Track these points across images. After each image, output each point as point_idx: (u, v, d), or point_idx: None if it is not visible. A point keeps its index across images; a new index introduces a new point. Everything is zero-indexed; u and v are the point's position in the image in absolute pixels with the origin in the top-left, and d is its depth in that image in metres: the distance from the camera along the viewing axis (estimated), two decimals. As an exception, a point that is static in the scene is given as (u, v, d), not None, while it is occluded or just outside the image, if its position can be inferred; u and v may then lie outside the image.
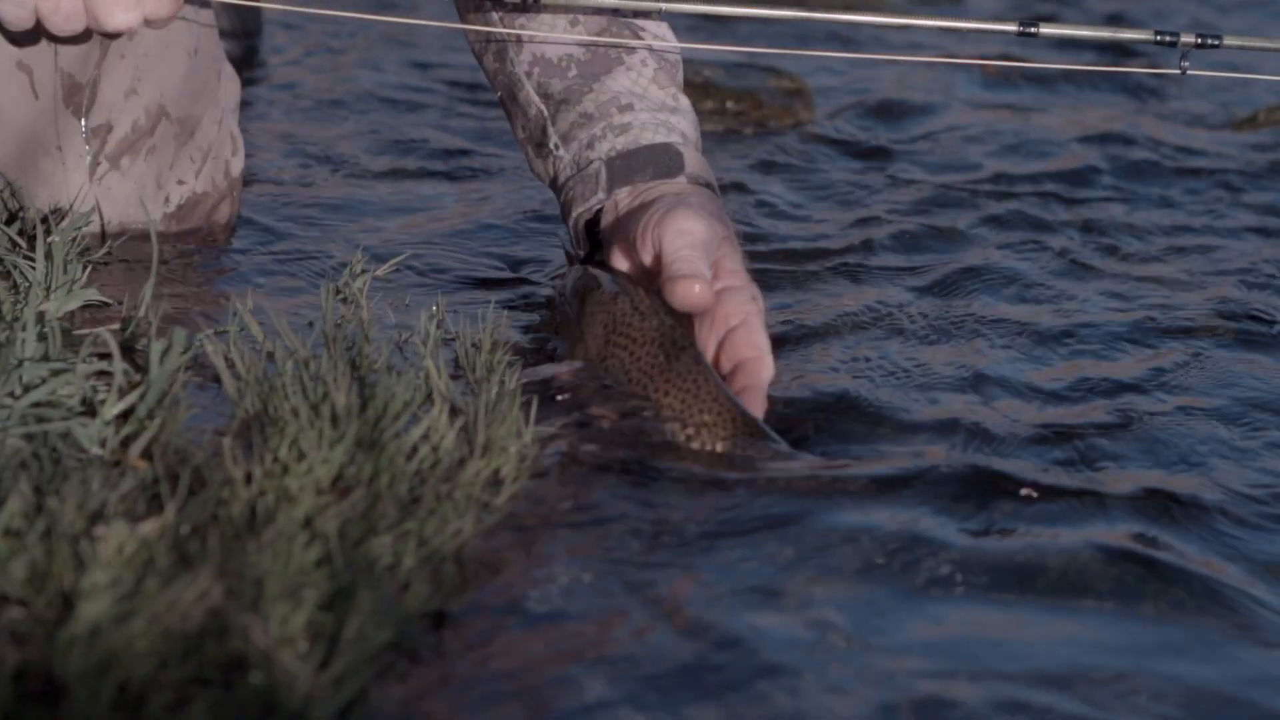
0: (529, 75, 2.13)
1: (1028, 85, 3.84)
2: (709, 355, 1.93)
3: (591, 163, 2.09)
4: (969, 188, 3.01)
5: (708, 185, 2.08)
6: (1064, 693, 1.44)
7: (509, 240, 2.53)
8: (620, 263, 2.02)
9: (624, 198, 2.07)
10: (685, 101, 2.13)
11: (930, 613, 1.56)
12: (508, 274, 2.38)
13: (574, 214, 2.11)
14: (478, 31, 2.16)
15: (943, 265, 2.56)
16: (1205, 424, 2.01)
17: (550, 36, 2.13)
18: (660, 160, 2.07)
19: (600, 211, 2.09)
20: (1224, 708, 1.46)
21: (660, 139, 2.08)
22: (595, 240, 2.12)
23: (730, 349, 1.92)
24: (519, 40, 2.13)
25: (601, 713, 1.38)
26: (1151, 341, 2.28)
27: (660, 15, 2.09)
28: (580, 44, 2.12)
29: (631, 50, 2.12)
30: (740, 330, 1.92)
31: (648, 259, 1.97)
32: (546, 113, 2.12)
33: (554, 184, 2.15)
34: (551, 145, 2.12)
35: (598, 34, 2.12)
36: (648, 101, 2.10)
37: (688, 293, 1.88)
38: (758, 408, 1.88)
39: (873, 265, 2.55)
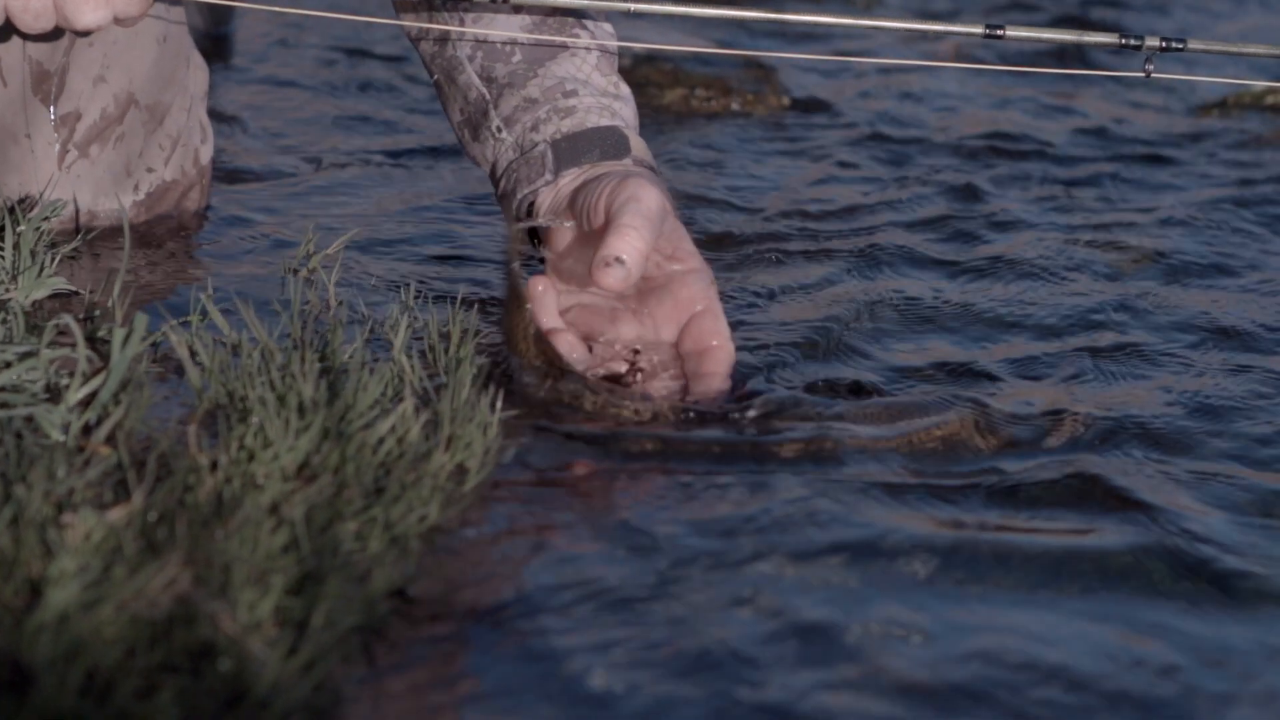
0: (471, 59, 2.13)
1: (994, 77, 3.85)
2: (671, 337, 1.97)
3: (536, 145, 2.10)
4: (941, 172, 3.02)
5: (651, 169, 2.10)
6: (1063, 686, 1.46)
7: (483, 228, 2.53)
8: (562, 234, 2.03)
9: (568, 180, 2.07)
10: (626, 89, 2.15)
11: (915, 602, 1.57)
12: (481, 261, 2.38)
13: (519, 196, 2.10)
14: (419, 18, 2.16)
15: (923, 251, 2.57)
16: (1211, 411, 2.03)
17: (493, 33, 2.13)
18: (606, 142, 2.08)
19: (538, 193, 2.10)
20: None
21: (606, 122, 2.10)
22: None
23: (695, 335, 1.95)
24: (462, 25, 2.13)
25: (570, 690, 1.39)
26: (1155, 333, 2.29)
27: (630, 14, 2.10)
28: (525, 34, 2.12)
29: (575, 36, 2.13)
30: (705, 317, 1.96)
31: (598, 223, 1.97)
32: (489, 96, 2.12)
33: (493, 168, 2.15)
34: (493, 128, 2.12)
35: (541, 22, 2.12)
36: (591, 87, 2.11)
37: (602, 278, 1.91)
38: (719, 390, 1.92)
39: (845, 250, 2.55)
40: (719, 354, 1.95)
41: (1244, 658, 1.52)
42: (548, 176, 2.08)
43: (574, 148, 2.07)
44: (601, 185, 1.98)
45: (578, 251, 2.02)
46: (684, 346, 1.96)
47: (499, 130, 2.11)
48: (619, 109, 2.12)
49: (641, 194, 1.94)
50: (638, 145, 2.10)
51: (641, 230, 1.92)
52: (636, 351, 1.97)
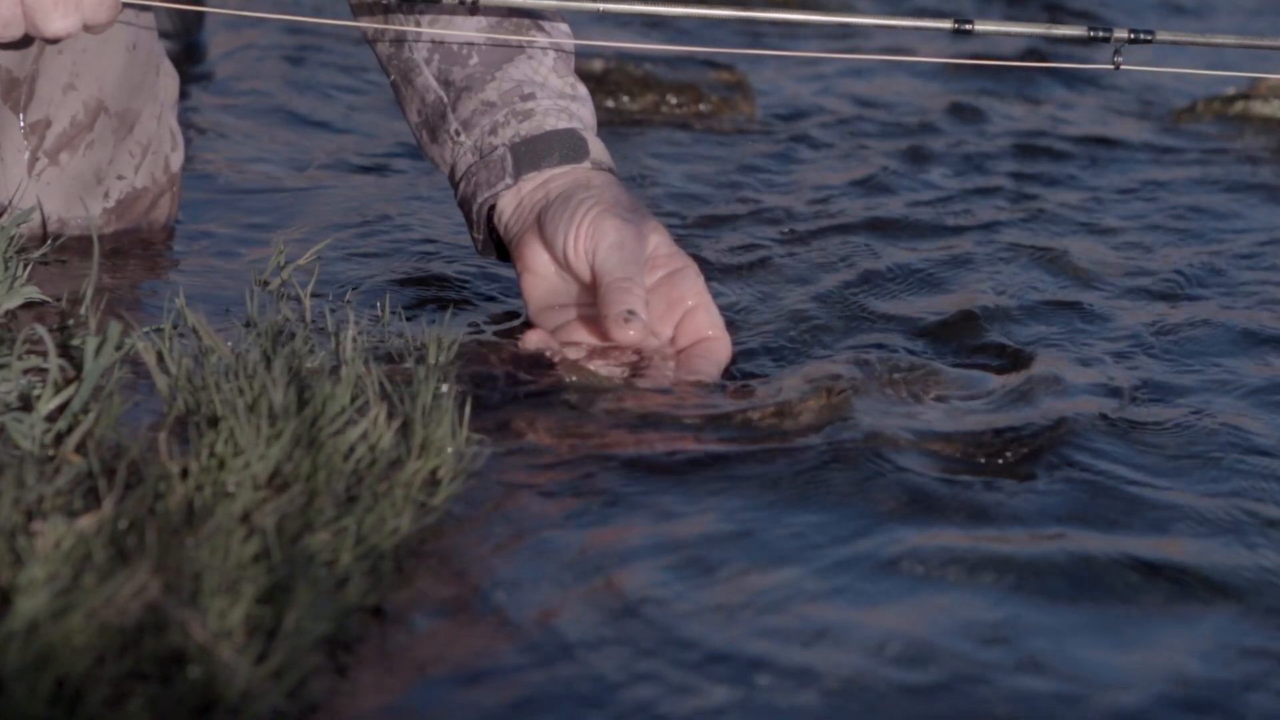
0: (428, 62, 2.14)
1: (967, 78, 3.86)
2: (666, 336, 2.02)
3: (496, 149, 2.11)
4: (914, 177, 3.03)
5: (609, 170, 2.12)
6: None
7: (454, 236, 2.53)
8: (535, 252, 2.06)
9: (529, 185, 2.09)
10: (583, 90, 2.16)
11: (901, 599, 1.58)
12: (453, 271, 2.38)
13: (479, 199, 2.12)
14: (375, 19, 2.17)
15: (896, 256, 2.58)
16: (1189, 413, 2.03)
17: (450, 34, 2.14)
18: (565, 145, 2.10)
19: (499, 196, 2.11)
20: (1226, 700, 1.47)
21: (564, 125, 2.11)
22: (492, 226, 2.14)
23: (690, 329, 2.01)
24: (419, 27, 2.14)
25: (542, 703, 1.39)
26: (1134, 334, 2.30)
27: (600, 14, 2.10)
28: (482, 36, 2.13)
29: (531, 38, 2.14)
30: (697, 312, 2.01)
31: (581, 268, 2.01)
32: (446, 99, 2.13)
33: (452, 171, 2.16)
34: (451, 131, 2.13)
35: (498, 24, 2.13)
36: (548, 89, 2.13)
37: (622, 335, 1.95)
38: (716, 383, 1.98)
39: (817, 258, 2.56)
40: (714, 345, 2.00)
41: (1233, 662, 1.53)
42: (508, 180, 2.09)
43: (533, 151, 2.09)
44: (575, 219, 2.01)
45: (556, 272, 2.06)
46: (680, 343, 2.01)
47: (457, 133, 2.12)
48: (576, 110, 2.14)
49: (621, 237, 1.99)
50: (596, 147, 2.12)
51: (637, 277, 1.97)
52: (637, 355, 2.00)
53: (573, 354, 2.00)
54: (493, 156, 2.10)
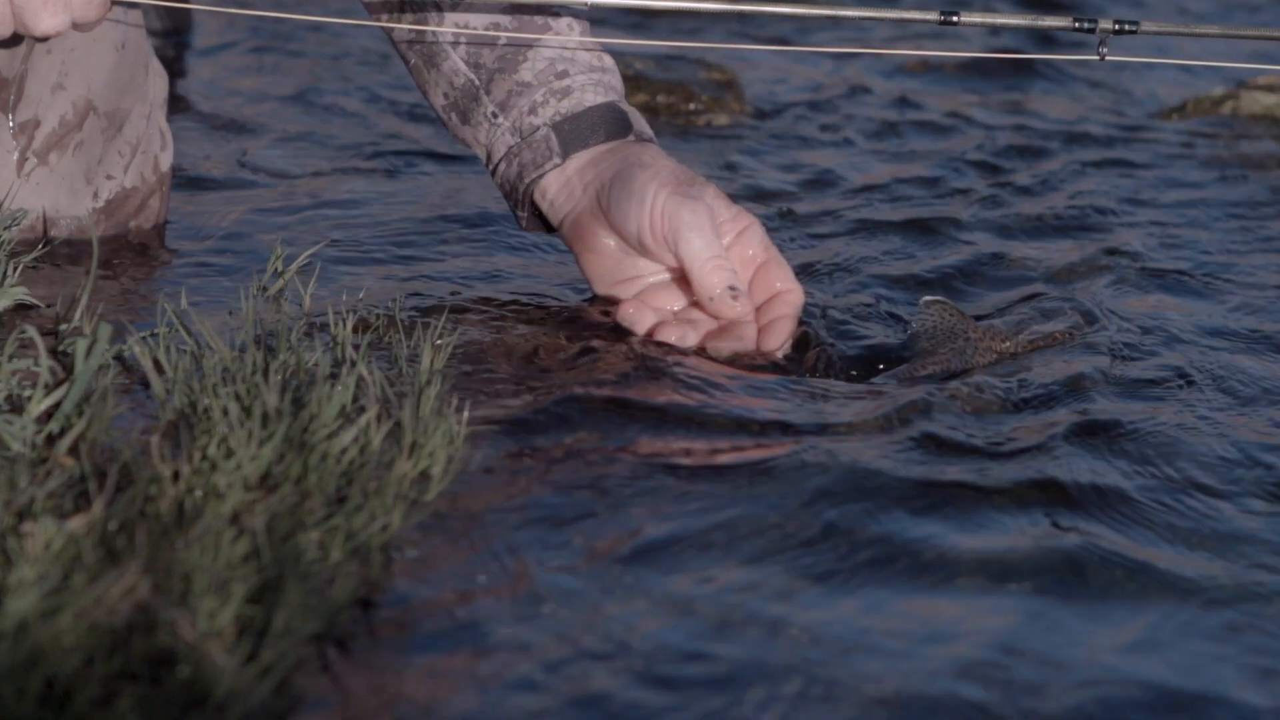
0: (455, 46, 2.16)
1: (955, 75, 3.86)
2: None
3: (538, 129, 2.14)
4: (902, 178, 3.03)
5: (650, 140, 2.18)
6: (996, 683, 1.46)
7: (446, 237, 2.53)
8: (595, 232, 2.12)
9: (576, 163, 2.13)
10: (609, 60, 2.21)
11: (875, 598, 1.58)
12: (452, 270, 2.38)
13: (526, 180, 2.15)
14: (390, 5, 2.18)
15: (888, 255, 2.58)
16: (1164, 409, 2.03)
17: (458, 30, 2.15)
18: (609, 121, 2.15)
19: (542, 176, 2.14)
20: (1168, 692, 1.47)
21: (601, 99, 2.15)
22: (534, 205, 2.16)
23: (764, 283, 2.10)
24: (439, 12, 2.15)
25: (532, 701, 1.39)
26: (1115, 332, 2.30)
27: (589, 9, 2.11)
28: (506, 18, 2.15)
29: (556, 15, 2.16)
30: (768, 267, 2.11)
31: (660, 250, 2.08)
32: (478, 81, 2.15)
33: (489, 152, 2.18)
34: (487, 114, 2.15)
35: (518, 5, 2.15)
36: (579, 64, 2.16)
37: (730, 311, 2.07)
38: (791, 333, 2.08)
39: (810, 256, 2.56)
40: (788, 297, 2.09)
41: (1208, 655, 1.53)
42: (555, 160, 2.14)
43: (577, 129, 2.13)
44: (645, 204, 2.07)
45: (617, 248, 2.13)
46: (755, 298, 2.10)
47: (494, 115, 2.15)
48: (609, 80, 2.18)
49: (696, 217, 2.06)
50: (636, 119, 2.18)
51: (722, 252, 2.07)
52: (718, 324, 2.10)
53: (651, 323, 2.08)
54: (535, 137, 2.14)
